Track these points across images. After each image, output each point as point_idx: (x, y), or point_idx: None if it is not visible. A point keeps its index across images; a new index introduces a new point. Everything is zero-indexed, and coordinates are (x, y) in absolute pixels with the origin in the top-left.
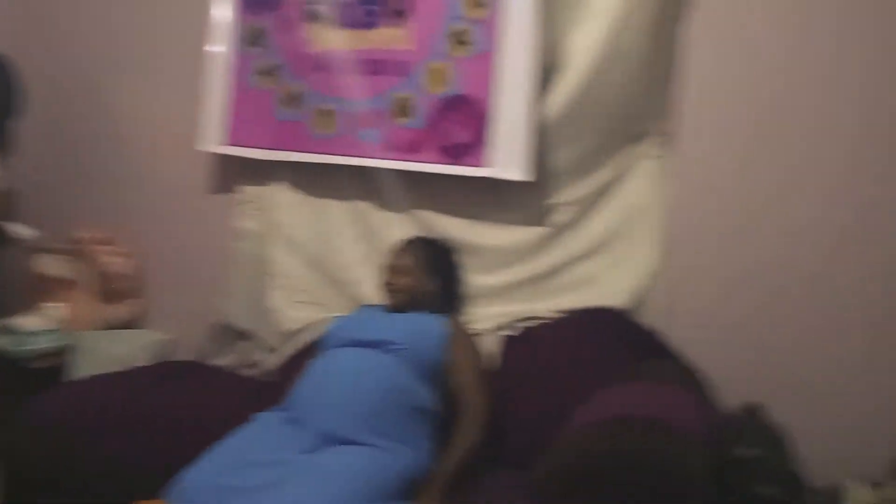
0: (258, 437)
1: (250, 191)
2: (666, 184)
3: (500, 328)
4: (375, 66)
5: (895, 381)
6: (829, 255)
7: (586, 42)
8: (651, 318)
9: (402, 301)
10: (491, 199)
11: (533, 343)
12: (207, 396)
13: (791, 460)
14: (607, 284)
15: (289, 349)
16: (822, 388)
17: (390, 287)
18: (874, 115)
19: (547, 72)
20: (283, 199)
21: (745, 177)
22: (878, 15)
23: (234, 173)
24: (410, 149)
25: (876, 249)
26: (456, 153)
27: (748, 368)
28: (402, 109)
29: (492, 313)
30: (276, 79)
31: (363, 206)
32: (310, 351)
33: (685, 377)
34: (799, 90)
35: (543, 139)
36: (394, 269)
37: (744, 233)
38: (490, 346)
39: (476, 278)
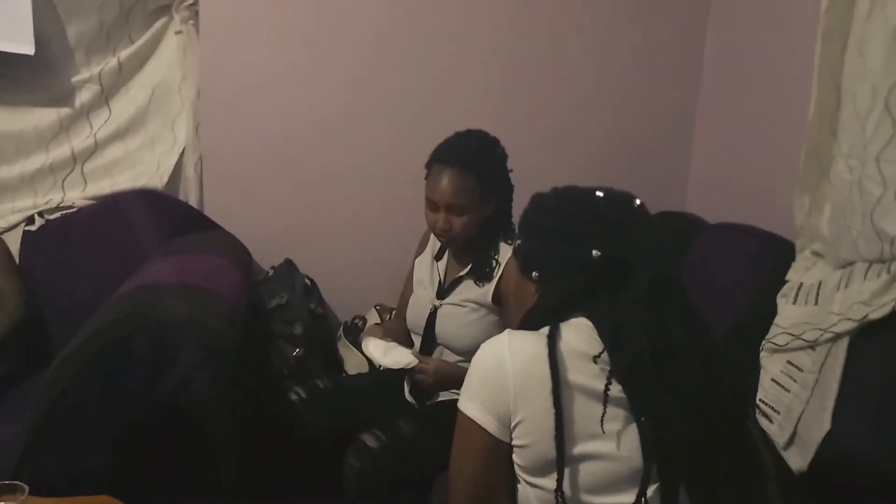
0: None
1: None
2: (191, 59)
3: (22, 223)
4: None
5: (391, 228)
6: (343, 129)
7: None
8: (186, 194)
9: None
10: None
11: (60, 235)
12: None
13: (316, 302)
14: (141, 165)
15: None
16: (338, 240)
17: None
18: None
19: None
20: None
21: (266, 47)
22: None
23: None
24: None
25: (373, 125)
26: None
27: (279, 230)
28: None
29: (11, 208)
30: None
31: None
32: None
33: (220, 245)
34: None
35: (48, 8)
36: None
37: (266, 103)
38: (12, 243)
39: None
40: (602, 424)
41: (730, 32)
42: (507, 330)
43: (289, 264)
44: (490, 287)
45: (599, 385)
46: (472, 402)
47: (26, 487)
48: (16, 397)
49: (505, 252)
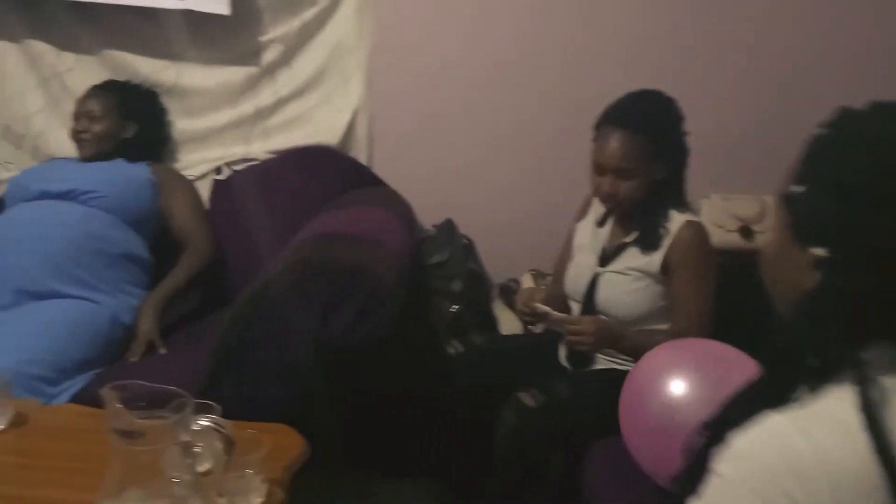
0: None
1: None
2: (368, 20)
3: (211, 173)
4: None
5: (551, 192)
6: (508, 90)
7: None
8: (357, 152)
9: (95, 149)
10: (192, 36)
11: (244, 185)
12: None
13: (475, 262)
14: (317, 123)
15: None
16: (498, 202)
17: (80, 135)
18: None
19: None
20: None
21: (438, 10)
22: None
23: None
24: None
25: (539, 86)
26: None
27: (441, 190)
28: None
29: (201, 158)
30: None
31: (39, 47)
32: None
33: (389, 201)
34: None
35: None
36: (82, 116)
37: (435, 65)
38: (202, 191)
39: (181, 122)
40: None
41: None
42: (785, 413)
43: (449, 223)
44: (657, 256)
45: None
46: None
47: (220, 407)
48: (197, 332)
49: (676, 220)
